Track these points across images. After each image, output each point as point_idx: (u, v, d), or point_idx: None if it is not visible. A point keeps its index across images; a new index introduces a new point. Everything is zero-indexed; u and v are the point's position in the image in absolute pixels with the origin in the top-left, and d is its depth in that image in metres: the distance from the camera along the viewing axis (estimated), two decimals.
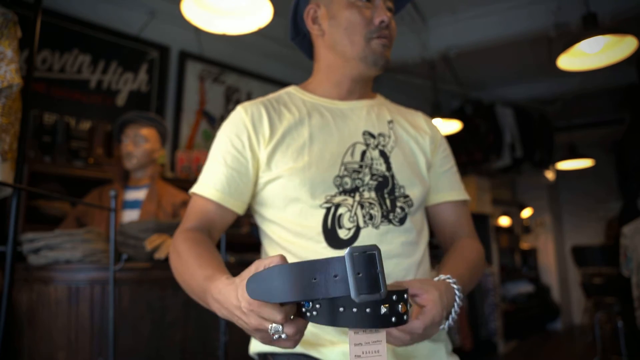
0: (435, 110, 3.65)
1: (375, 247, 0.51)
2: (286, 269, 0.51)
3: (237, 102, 3.31)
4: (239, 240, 2.73)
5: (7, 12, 1.62)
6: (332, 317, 0.53)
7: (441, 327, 0.68)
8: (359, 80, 0.93)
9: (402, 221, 0.85)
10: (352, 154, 0.86)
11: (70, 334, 1.51)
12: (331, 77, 0.93)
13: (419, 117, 1.00)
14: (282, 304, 0.54)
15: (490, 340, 4.50)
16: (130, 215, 1.98)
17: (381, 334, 0.56)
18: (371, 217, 0.82)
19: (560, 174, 6.25)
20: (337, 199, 0.82)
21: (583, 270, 5.26)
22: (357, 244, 0.80)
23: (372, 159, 0.87)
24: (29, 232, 1.63)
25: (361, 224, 0.82)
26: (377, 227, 0.82)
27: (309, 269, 0.50)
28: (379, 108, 0.96)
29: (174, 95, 2.98)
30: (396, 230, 0.83)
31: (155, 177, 2.09)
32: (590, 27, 2.33)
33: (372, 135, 0.90)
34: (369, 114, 0.93)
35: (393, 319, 0.54)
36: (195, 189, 0.87)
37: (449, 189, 0.96)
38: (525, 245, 6.24)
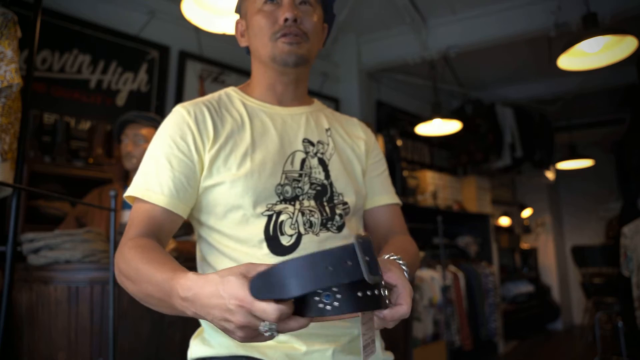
0: (435, 110, 3.65)
1: (368, 236, 0.57)
2: (301, 262, 0.54)
3: None
4: None
5: (7, 12, 1.62)
6: (355, 303, 0.55)
7: None
8: (286, 83, 0.92)
9: (340, 229, 0.86)
10: (292, 162, 0.87)
11: (70, 334, 1.51)
12: (262, 81, 0.93)
13: (355, 124, 1.02)
14: (278, 301, 0.54)
15: (490, 340, 4.49)
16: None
17: (372, 312, 0.61)
18: (311, 225, 0.84)
19: (560, 174, 6.25)
20: (278, 207, 0.83)
21: (583, 271, 5.26)
22: (298, 249, 0.81)
23: (311, 168, 0.88)
24: (29, 232, 1.63)
25: (302, 230, 0.83)
26: (317, 234, 0.84)
27: (322, 259, 0.53)
28: (317, 115, 0.96)
29: (174, 95, 2.98)
30: (334, 237, 0.85)
31: None
32: (590, 27, 2.33)
33: (312, 143, 0.90)
34: (308, 121, 0.93)
35: (387, 300, 0.60)
36: (138, 193, 0.80)
37: (382, 192, 0.99)
38: (525, 245, 6.24)
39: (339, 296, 0.55)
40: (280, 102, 0.93)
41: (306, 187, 0.86)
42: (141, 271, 0.69)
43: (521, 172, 5.29)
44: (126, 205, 2.01)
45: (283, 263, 0.54)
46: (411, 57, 3.68)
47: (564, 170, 5.66)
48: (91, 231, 1.65)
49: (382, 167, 1.01)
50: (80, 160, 2.38)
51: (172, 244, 1.73)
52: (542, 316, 5.97)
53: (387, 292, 0.61)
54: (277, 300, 0.53)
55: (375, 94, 4.32)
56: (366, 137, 1.00)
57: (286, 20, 0.85)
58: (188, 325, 1.73)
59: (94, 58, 2.61)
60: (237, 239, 0.83)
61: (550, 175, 5.56)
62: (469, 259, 4.34)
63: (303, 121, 0.93)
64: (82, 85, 2.56)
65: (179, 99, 2.98)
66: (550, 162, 5.23)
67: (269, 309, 0.52)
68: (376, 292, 0.57)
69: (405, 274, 0.69)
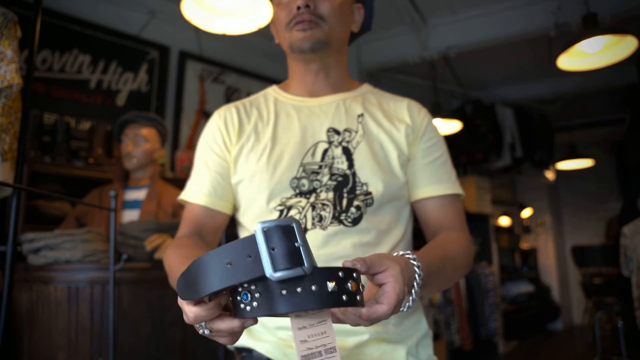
0: (435, 110, 3.66)
1: (292, 220, 0.48)
2: (201, 260, 0.48)
3: None
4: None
5: (7, 12, 1.62)
6: (274, 303, 0.46)
7: (401, 309, 0.60)
8: (315, 72, 0.91)
9: (355, 222, 0.81)
10: (313, 154, 0.85)
11: (70, 334, 1.51)
12: (294, 75, 0.94)
13: (402, 107, 0.92)
14: (199, 302, 0.51)
15: (490, 340, 4.49)
16: (130, 215, 1.98)
17: (326, 313, 0.51)
18: (321, 219, 0.81)
19: (560, 174, 6.24)
20: (291, 202, 0.82)
21: (583, 271, 5.26)
22: None
23: (333, 158, 0.84)
24: (29, 232, 1.63)
25: (309, 226, 0.80)
26: (324, 229, 0.80)
27: (221, 255, 0.47)
28: (353, 101, 0.91)
29: (174, 95, 2.98)
30: (347, 231, 0.80)
31: (155, 177, 2.09)
32: (590, 27, 2.33)
33: (337, 132, 0.86)
34: (338, 109, 0.89)
35: (344, 297, 0.48)
36: (183, 195, 0.89)
37: (432, 182, 0.87)
38: (525, 245, 6.24)
39: (257, 295, 0.47)
40: (312, 93, 0.92)
41: (325, 179, 0.82)
42: (171, 267, 0.74)
43: (521, 172, 5.29)
44: (126, 205, 2.01)
45: (195, 260, 0.49)
46: (411, 57, 3.68)
47: (564, 170, 5.65)
48: (91, 231, 1.65)
49: (436, 153, 0.90)
50: (80, 160, 2.38)
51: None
52: (542, 316, 5.96)
53: (363, 287, 0.53)
54: (198, 301, 0.50)
55: None
56: (412, 120, 0.90)
57: (299, 8, 0.84)
58: (188, 325, 1.73)
59: (94, 58, 2.61)
60: (251, 231, 0.84)
61: (550, 175, 5.56)
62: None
63: (332, 110, 0.89)
64: (82, 85, 2.56)
65: (179, 99, 2.98)
66: (550, 162, 5.23)
67: (186, 309, 0.52)
68: (314, 288, 0.46)
69: (417, 275, 0.61)
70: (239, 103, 0.94)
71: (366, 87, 0.97)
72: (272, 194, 0.82)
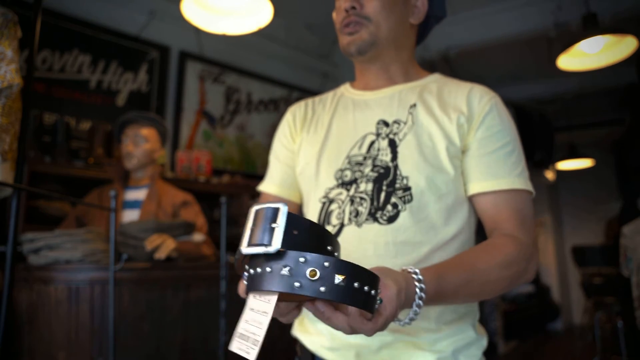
0: None
1: (280, 203, 0.49)
2: None
3: (237, 102, 3.31)
4: (239, 240, 2.73)
5: (7, 12, 1.62)
6: (247, 280, 0.50)
7: (400, 322, 0.59)
8: (373, 69, 0.90)
9: (391, 220, 0.77)
10: (360, 146, 0.84)
11: (70, 334, 1.51)
12: (357, 72, 0.95)
13: (463, 93, 0.84)
14: None
15: (490, 340, 4.48)
16: (130, 215, 1.98)
17: (272, 296, 0.50)
18: (357, 214, 0.79)
19: (560, 174, 6.24)
20: (333, 193, 0.83)
21: (583, 270, 5.26)
22: (339, 240, 0.73)
23: (378, 150, 0.82)
24: (29, 232, 1.63)
25: (346, 221, 0.80)
26: (359, 226, 0.79)
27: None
28: (410, 91, 0.87)
29: (174, 95, 2.98)
30: (381, 230, 0.77)
31: (155, 177, 2.09)
32: (590, 27, 2.34)
33: (386, 124, 0.84)
34: (392, 101, 0.86)
35: (296, 283, 0.47)
36: (259, 186, 0.97)
37: (485, 177, 0.78)
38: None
39: (252, 272, 0.50)
40: (371, 87, 0.91)
41: (367, 170, 0.81)
42: None
43: None
44: (126, 205, 2.01)
45: None
46: None
47: (564, 170, 5.65)
48: (91, 231, 1.65)
49: (496, 143, 0.80)
50: (80, 160, 2.38)
51: (172, 244, 1.73)
52: (542, 316, 5.96)
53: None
54: None
55: None
56: (469, 108, 0.81)
57: (345, 11, 0.85)
58: (188, 325, 1.73)
59: (94, 58, 2.62)
60: None
61: (550, 175, 5.56)
62: None
63: (386, 101, 0.87)
64: (82, 85, 2.56)
65: (179, 99, 2.98)
66: (550, 162, 5.22)
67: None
68: (268, 269, 0.47)
69: (417, 296, 0.58)
70: (309, 99, 0.99)
71: (433, 77, 0.91)
72: (319, 185, 0.85)
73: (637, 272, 2.74)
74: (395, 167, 0.80)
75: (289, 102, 3.64)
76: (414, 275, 0.59)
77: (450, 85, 0.88)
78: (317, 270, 0.47)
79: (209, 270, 1.81)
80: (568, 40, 2.35)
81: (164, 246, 1.71)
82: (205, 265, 1.86)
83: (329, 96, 0.98)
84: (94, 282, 1.54)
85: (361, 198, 0.80)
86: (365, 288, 0.48)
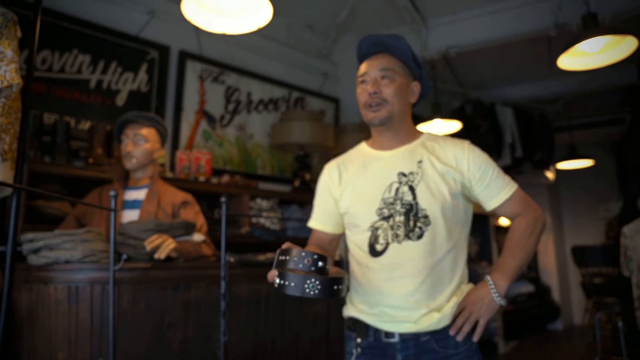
0: (435, 110, 3.65)
1: (289, 246, 0.98)
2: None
3: (237, 102, 3.31)
4: (239, 240, 2.73)
5: (7, 12, 1.62)
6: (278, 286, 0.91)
7: (500, 303, 1.16)
8: (383, 134, 1.28)
9: (419, 237, 1.17)
10: (389, 191, 1.21)
11: (70, 334, 1.51)
12: (373, 136, 1.33)
13: (450, 151, 1.25)
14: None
15: (490, 340, 4.49)
16: (130, 215, 1.98)
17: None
18: (397, 236, 1.18)
19: (561, 173, 6.24)
20: (377, 224, 1.20)
21: (583, 271, 5.26)
22: (386, 253, 1.18)
23: (402, 193, 1.20)
24: (29, 232, 1.63)
25: (390, 240, 1.18)
26: (400, 242, 1.17)
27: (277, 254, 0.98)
28: (415, 149, 1.26)
29: (174, 95, 2.97)
30: (414, 244, 1.17)
31: (155, 177, 2.09)
32: (591, 27, 2.33)
33: (404, 175, 1.22)
34: (404, 157, 1.25)
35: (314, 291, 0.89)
36: (309, 222, 1.39)
37: (494, 196, 1.23)
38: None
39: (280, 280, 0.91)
40: (386, 148, 1.29)
41: (398, 207, 1.19)
42: None
43: (521, 172, 5.28)
44: (126, 205, 2.01)
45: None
46: None
47: (564, 170, 5.66)
48: (91, 231, 1.64)
49: (488, 176, 1.22)
50: (80, 160, 2.38)
51: (171, 244, 1.73)
52: (542, 316, 5.96)
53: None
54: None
55: None
56: (459, 165, 1.22)
57: (370, 94, 1.22)
58: (188, 325, 1.73)
59: (94, 58, 2.61)
60: (357, 245, 1.26)
61: (550, 175, 5.56)
62: (469, 259, 4.34)
63: (399, 158, 1.25)
64: (82, 85, 2.56)
65: (179, 99, 2.98)
66: (550, 162, 5.22)
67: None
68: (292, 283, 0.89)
69: (493, 292, 1.15)
70: (340, 159, 1.37)
71: (425, 136, 1.30)
72: (365, 220, 1.21)
73: (638, 272, 2.73)
74: (416, 204, 1.18)
75: (288, 102, 3.64)
76: (490, 286, 1.16)
77: (441, 143, 1.27)
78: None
79: (209, 270, 1.81)
80: (568, 40, 2.34)
81: (164, 246, 1.71)
82: (205, 265, 1.86)
83: (353, 155, 1.35)
84: (93, 282, 1.54)
85: (397, 226, 1.18)
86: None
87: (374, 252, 1.19)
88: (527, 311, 5.52)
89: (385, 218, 1.19)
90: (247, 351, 1.90)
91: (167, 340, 1.67)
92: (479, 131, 4.57)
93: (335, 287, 0.89)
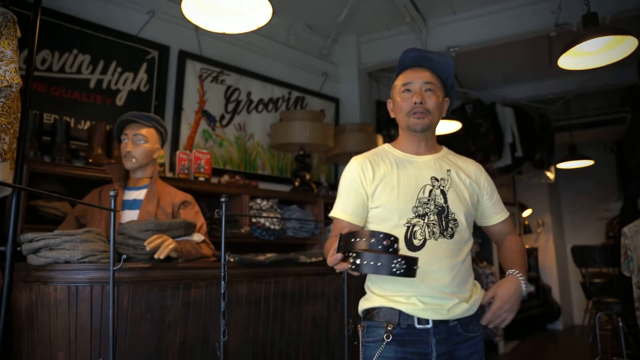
0: None
1: (349, 232, 1.06)
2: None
3: (237, 102, 3.31)
4: (239, 240, 2.73)
5: (7, 12, 1.62)
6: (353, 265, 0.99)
7: (525, 293, 1.32)
8: (419, 140, 1.40)
9: (452, 236, 1.31)
10: (424, 192, 1.33)
11: (70, 334, 1.51)
12: (404, 140, 1.43)
13: (470, 166, 1.45)
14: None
15: (490, 340, 4.49)
16: (129, 215, 1.98)
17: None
18: (433, 233, 1.29)
19: (561, 173, 6.24)
20: (414, 221, 1.30)
21: (583, 271, 5.25)
22: (424, 249, 1.28)
23: (435, 195, 1.33)
24: (29, 232, 1.62)
25: (427, 237, 1.29)
26: (436, 239, 1.29)
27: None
28: (442, 160, 1.41)
29: (174, 95, 2.97)
30: (447, 242, 1.30)
31: (155, 177, 2.08)
32: (591, 27, 2.33)
33: (437, 179, 1.35)
34: (435, 164, 1.39)
35: (353, 266, 0.99)
36: (333, 213, 1.39)
37: (497, 213, 1.46)
38: (525, 245, 6.23)
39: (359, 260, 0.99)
40: (417, 153, 1.41)
41: (432, 207, 1.31)
42: (325, 247, 1.29)
43: (521, 172, 5.28)
44: (126, 205, 2.01)
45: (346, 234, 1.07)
46: None
47: (564, 170, 5.65)
48: (91, 231, 1.64)
49: (495, 195, 1.45)
50: (80, 160, 2.37)
51: (171, 244, 1.73)
52: (542, 316, 5.96)
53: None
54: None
55: (375, 94, 4.31)
56: (477, 178, 1.42)
57: (415, 103, 1.34)
58: (188, 325, 1.73)
59: (93, 58, 2.61)
60: None
61: (550, 175, 5.55)
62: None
63: (431, 164, 1.39)
64: (82, 85, 2.56)
65: (178, 99, 2.98)
66: (550, 162, 5.22)
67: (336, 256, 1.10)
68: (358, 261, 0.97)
69: (523, 283, 1.31)
70: (369, 155, 1.43)
71: (446, 150, 1.48)
72: (401, 216, 1.30)
73: (638, 272, 2.73)
74: (447, 207, 1.33)
75: (288, 102, 3.64)
76: (518, 276, 1.32)
77: (459, 159, 1.47)
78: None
79: (209, 270, 1.80)
80: (568, 40, 2.34)
81: (164, 246, 1.70)
82: (205, 265, 1.86)
83: (380, 153, 1.42)
84: (93, 282, 1.54)
85: (433, 224, 1.30)
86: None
87: (412, 247, 1.29)
88: (527, 311, 5.51)
89: (421, 216, 1.30)
90: (247, 351, 1.89)
91: (167, 340, 1.67)
92: (479, 131, 4.57)
93: (414, 267, 0.97)
